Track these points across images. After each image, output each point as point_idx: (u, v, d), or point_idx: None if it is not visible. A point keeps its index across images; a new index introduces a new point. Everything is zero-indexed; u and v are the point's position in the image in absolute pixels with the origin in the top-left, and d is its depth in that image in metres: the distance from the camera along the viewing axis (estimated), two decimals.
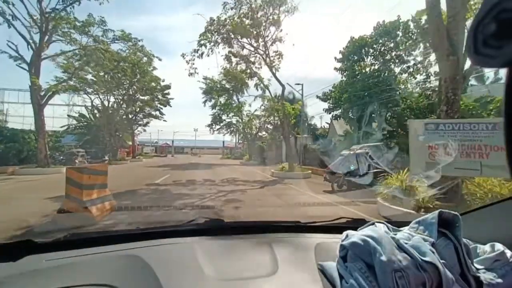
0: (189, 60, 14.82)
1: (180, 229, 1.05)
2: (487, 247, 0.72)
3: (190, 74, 15.08)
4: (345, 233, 0.77)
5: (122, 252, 0.85)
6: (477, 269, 0.65)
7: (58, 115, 33.32)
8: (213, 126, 34.70)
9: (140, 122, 32.95)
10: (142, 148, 46.96)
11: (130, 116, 31.07)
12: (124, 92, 26.29)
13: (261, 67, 16.49)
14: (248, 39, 14.61)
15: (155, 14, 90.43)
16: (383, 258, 0.60)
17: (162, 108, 31.98)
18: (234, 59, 16.31)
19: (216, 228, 1.06)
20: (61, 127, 30.95)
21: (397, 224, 0.81)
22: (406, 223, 0.77)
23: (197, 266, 0.77)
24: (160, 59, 23.85)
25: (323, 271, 0.73)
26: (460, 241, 0.65)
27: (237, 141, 49.18)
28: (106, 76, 22.32)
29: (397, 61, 17.42)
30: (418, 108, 13.32)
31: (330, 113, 21.65)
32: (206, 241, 0.98)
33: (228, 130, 36.92)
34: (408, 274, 0.58)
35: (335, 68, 19.20)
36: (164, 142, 52.22)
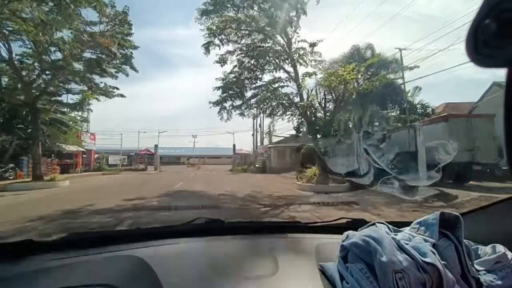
0: None
1: (180, 229, 1.04)
2: (488, 249, 0.71)
3: None
4: (345, 233, 0.76)
5: (122, 252, 0.84)
6: (478, 271, 0.65)
7: None
8: (226, 101, 13.38)
9: (56, 98, 15.62)
10: (106, 158, 29.84)
11: (27, 79, 13.71)
12: None
13: None
14: None
15: (155, 27, 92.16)
16: (384, 258, 0.60)
17: (109, 66, 14.80)
18: None
19: (216, 229, 1.05)
20: None
21: (398, 224, 0.79)
22: (407, 224, 0.76)
23: (197, 266, 0.78)
24: None
25: (323, 272, 0.72)
26: (461, 242, 0.65)
27: (262, 139, 31.74)
28: None
29: None
30: None
31: None
32: (206, 241, 0.97)
33: (266, 105, 13.20)
34: (409, 275, 0.57)
35: None
36: (144, 148, 34.97)
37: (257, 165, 27.61)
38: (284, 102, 12.22)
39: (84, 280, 0.66)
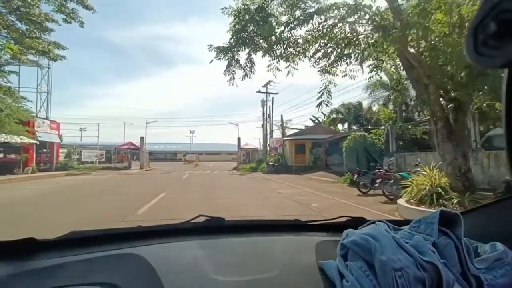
0: None
1: (180, 228, 1.04)
2: (487, 247, 0.70)
3: None
4: (345, 231, 0.75)
5: (123, 251, 0.83)
6: (478, 269, 0.64)
7: None
8: (240, 49, 6.55)
9: None
10: (78, 153, 23.99)
11: None
12: None
13: None
14: None
15: (154, 24, 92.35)
16: (383, 257, 0.59)
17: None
18: None
19: (217, 227, 1.05)
20: None
21: (398, 223, 0.79)
22: (406, 222, 0.76)
23: (197, 265, 0.77)
24: None
25: (323, 270, 0.71)
26: (461, 240, 0.64)
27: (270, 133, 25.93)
28: None
29: None
30: None
31: None
32: (206, 240, 0.97)
33: (321, 49, 6.10)
34: (408, 273, 0.57)
35: None
36: (128, 142, 28.78)
37: (271, 163, 21.52)
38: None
39: (85, 279, 0.66)
